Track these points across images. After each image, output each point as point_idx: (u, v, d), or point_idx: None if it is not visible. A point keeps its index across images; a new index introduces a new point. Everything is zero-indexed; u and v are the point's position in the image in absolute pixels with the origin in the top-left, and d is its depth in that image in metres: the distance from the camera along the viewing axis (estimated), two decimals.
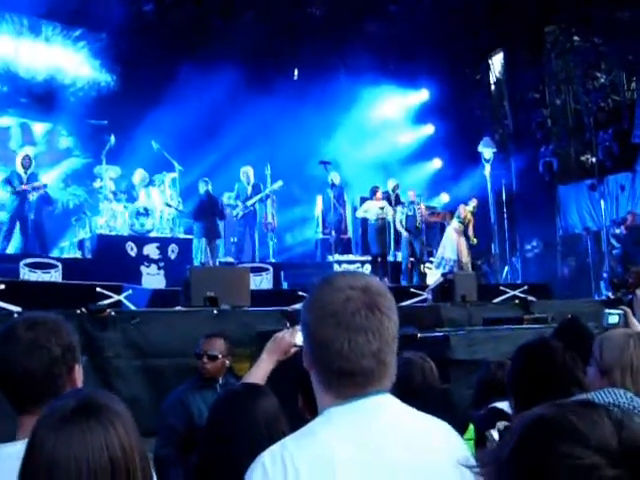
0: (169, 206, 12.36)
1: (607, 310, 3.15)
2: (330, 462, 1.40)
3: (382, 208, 13.09)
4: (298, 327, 2.61)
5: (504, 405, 3.12)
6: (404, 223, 13.07)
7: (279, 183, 13.31)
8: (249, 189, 13.24)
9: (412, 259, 13.18)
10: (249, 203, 13.10)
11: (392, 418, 1.51)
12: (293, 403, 2.74)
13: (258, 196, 13.18)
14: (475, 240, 13.84)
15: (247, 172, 13.36)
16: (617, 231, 15.24)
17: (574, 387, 2.59)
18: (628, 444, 0.86)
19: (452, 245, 13.50)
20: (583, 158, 17.66)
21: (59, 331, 1.97)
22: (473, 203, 13.89)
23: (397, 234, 13.80)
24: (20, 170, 11.93)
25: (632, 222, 14.45)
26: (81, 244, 12.12)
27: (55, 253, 12.69)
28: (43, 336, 1.93)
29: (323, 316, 1.49)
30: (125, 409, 1.33)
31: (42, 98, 15.11)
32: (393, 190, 14.06)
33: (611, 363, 2.68)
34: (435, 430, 1.57)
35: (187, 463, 3.62)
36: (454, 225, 13.64)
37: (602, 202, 15.49)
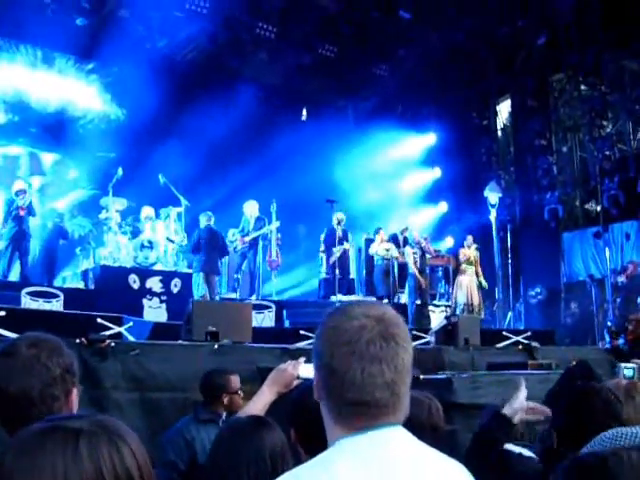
0: (171, 241, 12.33)
1: (622, 364, 3.15)
2: None
3: (388, 250, 13.06)
4: (302, 359, 2.55)
5: (515, 448, 3.05)
6: (418, 265, 13.05)
7: (276, 224, 13.29)
8: (252, 222, 13.20)
9: (418, 302, 13.11)
10: (247, 239, 13.05)
11: (406, 452, 1.46)
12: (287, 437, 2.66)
13: (256, 233, 13.12)
14: (485, 283, 13.81)
15: (251, 206, 13.33)
16: (619, 280, 15.17)
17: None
18: None
19: (463, 290, 13.52)
20: (588, 206, 17.69)
21: (60, 352, 1.93)
22: (468, 242, 13.88)
23: (401, 276, 13.76)
24: (15, 199, 11.87)
25: (633, 271, 14.39)
26: (84, 274, 12.10)
27: (58, 282, 12.67)
28: (44, 354, 1.88)
29: (337, 344, 1.44)
30: (134, 434, 1.26)
31: (52, 129, 15.27)
32: (402, 232, 14.03)
33: None
34: (449, 468, 1.51)
35: None
36: (465, 268, 13.62)
37: (607, 250, 15.45)
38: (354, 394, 1.42)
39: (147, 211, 12.54)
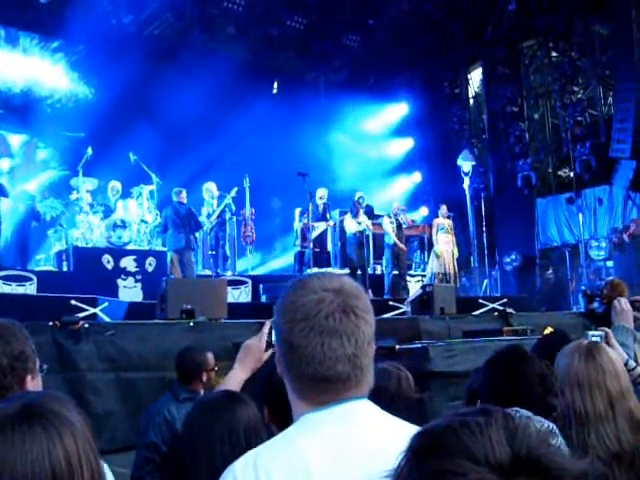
0: (145, 222, 12.20)
1: (589, 332, 3.14)
2: (307, 471, 1.34)
3: (360, 223, 13.07)
4: (267, 325, 2.49)
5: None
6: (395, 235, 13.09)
7: (234, 190, 13.19)
8: (214, 203, 13.09)
9: (395, 272, 13.15)
10: (212, 218, 12.94)
11: (369, 425, 1.44)
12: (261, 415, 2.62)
13: (219, 209, 13.01)
14: (457, 252, 13.91)
15: (209, 188, 13.17)
16: (622, 238, 14.75)
17: (550, 397, 2.54)
18: (521, 456, 0.77)
19: (439, 259, 13.59)
20: (561, 172, 17.80)
21: (7, 339, 1.85)
22: (442, 211, 13.94)
23: (376, 246, 13.80)
24: None
25: (636, 230, 14.21)
26: (57, 257, 11.96)
27: (31, 266, 12.52)
28: None
29: (295, 319, 1.42)
30: (79, 418, 1.20)
31: (19, 110, 14.99)
32: (360, 202, 13.95)
33: (561, 380, 2.60)
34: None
35: None
36: (441, 238, 13.67)
37: (580, 215, 15.56)
38: (315, 369, 1.40)
39: (113, 184, 12.39)
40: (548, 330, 5.27)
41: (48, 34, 15.16)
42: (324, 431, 1.40)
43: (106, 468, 1.65)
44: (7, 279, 9.86)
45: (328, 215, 13.88)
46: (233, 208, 13.31)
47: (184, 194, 12.29)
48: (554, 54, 17.76)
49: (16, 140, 15.43)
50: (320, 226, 13.54)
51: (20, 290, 9.77)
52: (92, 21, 13.89)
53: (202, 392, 4.50)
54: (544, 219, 17.35)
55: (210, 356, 4.70)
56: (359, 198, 13.24)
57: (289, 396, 1.50)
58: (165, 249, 12.22)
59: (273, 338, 2.49)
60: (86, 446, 1.17)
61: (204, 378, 4.53)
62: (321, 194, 13.70)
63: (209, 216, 12.98)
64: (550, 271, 17.20)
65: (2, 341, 1.83)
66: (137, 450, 4.33)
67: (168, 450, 4.04)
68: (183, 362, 4.62)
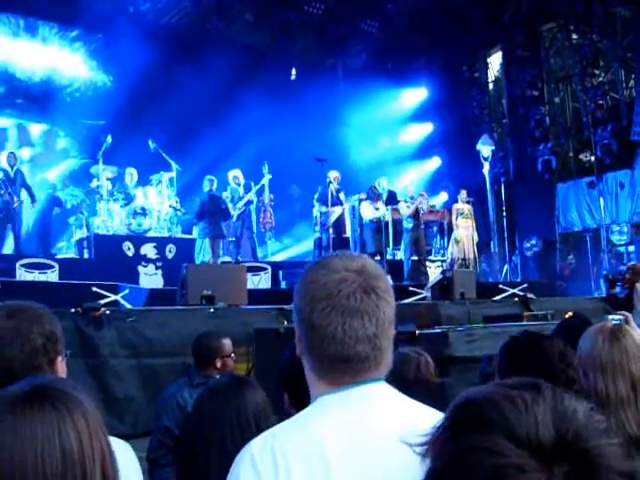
0: (175, 209, 12.32)
1: (609, 316, 3.07)
2: (323, 454, 1.34)
3: (377, 209, 13.04)
4: None
5: None
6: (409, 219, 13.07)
7: (267, 177, 13.30)
8: (241, 190, 13.22)
9: (415, 258, 13.11)
10: (239, 204, 13.06)
11: (387, 407, 1.44)
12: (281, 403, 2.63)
13: (249, 194, 13.16)
14: (476, 237, 13.88)
15: (236, 175, 13.33)
16: None
17: (570, 370, 2.51)
18: (567, 441, 0.71)
19: (459, 244, 13.57)
20: (582, 156, 17.62)
21: (41, 320, 1.88)
22: (462, 196, 13.90)
23: (396, 232, 13.76)
24: (6, 167, 11.79)
25: None
26: (79, 244, 12.06)
27: (53, 253, 12.64)
28: (24, 324, 1.84)
29: (316, 299, 1.41)
30: (89, 399, 1.21)
31: (39, 99, 15.10)
32: (376, 187, 13.95)
33: (585, 362, 2.56)
34: (431, 420, 1.50)
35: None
36: (461, 223, 13.65)
37: (601, 200, 15.42)
38: (335, 349, 1.40)
39: (130, 171, 12.53)
40: (568, 315, 5.24)
41: (67, 23, 15.24)
42: (341, 414, 1.40)
43: (126, 447, 1.67)
44: (29, 267, 9.97)
45: (343, 197, 13.84)
46: (262, 197, 13.44)
47: (216, 183, 12.42)
48: (574, 36, 17.53)
49: (36, 129, 15.56)
50: (336, 210, 13.50)
51: (42, 277, 9.87)
52: (110, 10, 13.96)
53: (217, 377, 4.48)
54: (565, 203, 17.21)
55: (226, 342, 4.58)
56: (377, 184, 13.22)
57: (307, 376, 1.50)
58: (186, 236, 12.32)
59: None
60: (96, 426, 1.17)
61: (218, 364, 4.44)
62: (334, 175, 13.58)
63: (234, 202, 13.07)
64: (571, 256, 17.07)
65: (36, 321, 1.86)
66: (152, 433, 4.37)
67: (179, 433, 4.08)
68: (199, 347, 4.58)
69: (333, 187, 13.33)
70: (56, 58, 15.29)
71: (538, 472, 0.70)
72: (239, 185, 13.27)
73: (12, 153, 12.17)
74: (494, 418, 0.74)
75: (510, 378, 0.83)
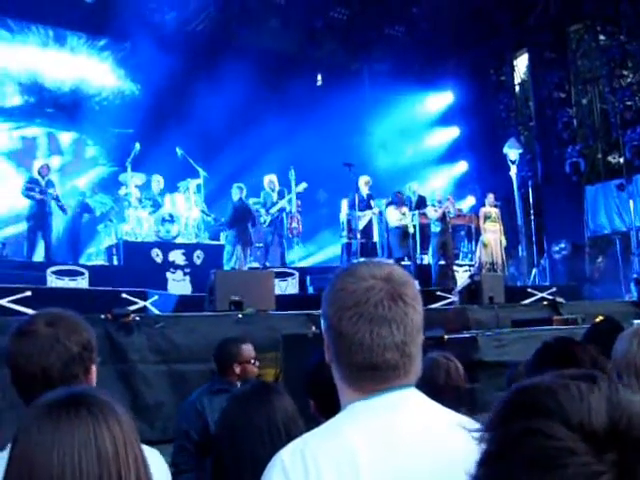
0: (205, 214, 12.43)
1: (636, 321, 3.02)
2: (354, 461, 1.34)
3: (404, 214, 13.02)
4: None
5: None
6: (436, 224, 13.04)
7: (303, 185, 13.36)
8: (275, 196, 13.30)
9: (442, 262, 13.06)
10: (273, 210, 13.12)
11: (417, 414, 1.44)
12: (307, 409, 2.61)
13: (282, 201, 13.23)
14: (505, 241, 13.79)
15: (272, 180, 13.42)
16: None
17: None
18: (619, 429, 0.73)
19: (487, 248, 13.50)
20: (610, 158, 17.42)
21: (78, 329, 1.92)
22: (489, 200, 13.83)
23: (424, 236, 13.71)
24: (38, 177, 11.96)
25: None
26: (108, 251, 12.18)
27: (82, 260, 12.79)
28: (62, 333, 1.87)
29: (344, 307, 1.42)
30: (124, 410, 1.25)
31: (68, 108, 15.30)
32: (414, 194, 13.99)
33: (619, 365, 2.54)
34: (459, 430, 1.50)
35: (203, 469, 3.51)
36: (488, 227, 13.58)
37: (631, 202, 15.24)
38: (364, 357, 1.40)
39: (157, 178, 12.70)
40: (599, 319, 5.18)
41: (94, 33, 15.44)
42: (372, 420, 1.40)
43: (157, 455, 1.69)
44: (60, 274, 10.09)
45: (373, 203, 13.85)
46: (292, 203, 13.49)
47: (245, 191, 12.58)
48: (602, 37, 17.38)
49: (66, 138, 15.76)
50: (366, 215, 13.53)
51: (72, 284, 9.98)
52: (136, 19, 14.07)
53: (238, 384, 4.34)
54: (594, 206, 17.02)
55: (246, 347, 4.47)
56: (407, 188, 13.20)
57: (337, 384, 1.50)
58: (213, 242, 12.41)
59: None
60: (130, 432, 1.20)
61: (237, 370, 4.37)
62: (366, 180, 13.63)
63: (266, 207, 13.13)
64: (600, 259, 16.88)
65: (73, 330, 1.90)
66: (174, 438, 4.38)
67: (200, 439, 4.08)
68: (218, 353, 4.54)
69: (364, 192, 13.38)
70: (84, 67, 15.51)
71: (589, 455, 0.71)
72: (273, 190, 13.34)
73: (46, 165, 12.35)
74: (550, 404, 0.77)
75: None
